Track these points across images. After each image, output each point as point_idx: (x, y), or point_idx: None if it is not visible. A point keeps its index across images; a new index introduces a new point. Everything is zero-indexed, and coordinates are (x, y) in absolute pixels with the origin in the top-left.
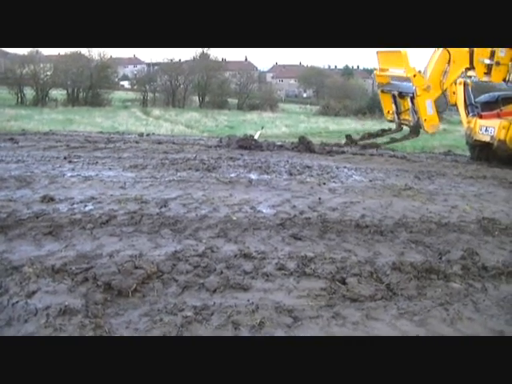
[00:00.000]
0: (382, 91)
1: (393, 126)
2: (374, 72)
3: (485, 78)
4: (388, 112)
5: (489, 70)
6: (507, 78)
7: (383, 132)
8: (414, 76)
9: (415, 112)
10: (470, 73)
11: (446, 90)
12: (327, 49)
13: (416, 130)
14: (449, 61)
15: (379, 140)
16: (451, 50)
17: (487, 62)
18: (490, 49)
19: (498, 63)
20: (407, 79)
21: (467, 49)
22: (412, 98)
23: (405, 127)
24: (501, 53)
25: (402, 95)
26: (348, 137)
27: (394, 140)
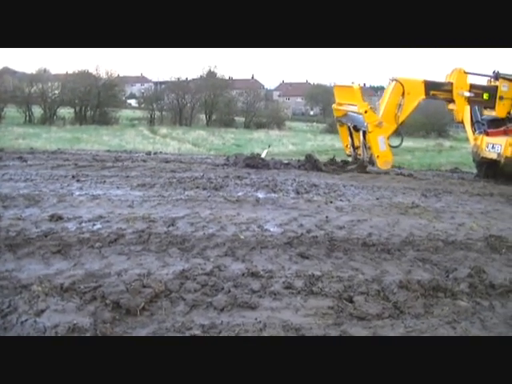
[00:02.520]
0: (340, 123)
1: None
2: (332, 106)
3: (490, 113)
4: (346, 146)
5: (469, 102)
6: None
7: (344, 164)
8: (366, 112)
9: (366, 147)
10: (450, 106)
11: (401, 124)
12: (333, 67)
13: (363, 165)
14: (403, 93)
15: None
16: (404, 81)
17: (467, 94)
18: (469, 82)
19: (501, 98)
20: (361, 114)
21: (422, 79)
22: (364, 133)
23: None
24: (503, 87)
25: (356, 128)
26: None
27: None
